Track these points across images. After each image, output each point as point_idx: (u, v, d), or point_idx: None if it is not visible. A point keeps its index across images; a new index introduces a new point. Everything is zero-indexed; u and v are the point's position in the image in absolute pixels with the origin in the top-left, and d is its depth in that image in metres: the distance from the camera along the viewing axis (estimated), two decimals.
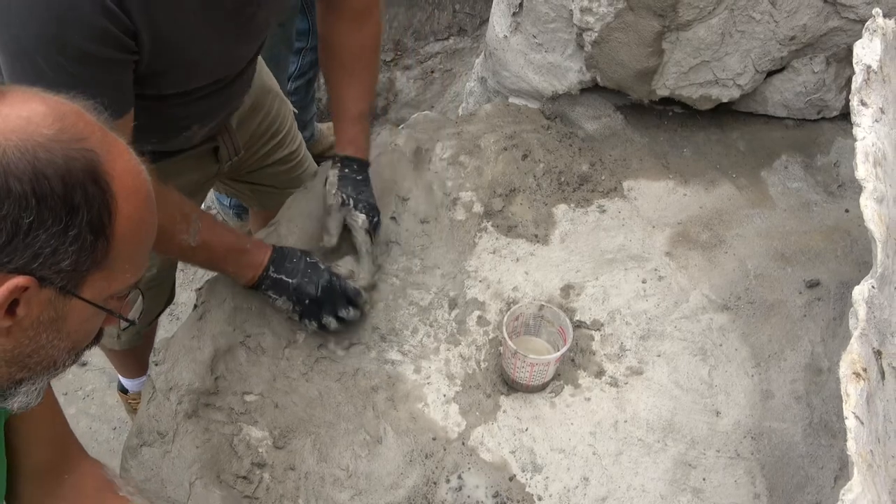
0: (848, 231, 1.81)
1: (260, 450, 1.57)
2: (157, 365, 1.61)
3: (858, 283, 1.26)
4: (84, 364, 2.79)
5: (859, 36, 1.49)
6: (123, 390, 2.53)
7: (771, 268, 1.81)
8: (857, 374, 1.05)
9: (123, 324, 1.04)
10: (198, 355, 1.62)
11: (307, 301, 1.64)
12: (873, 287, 1.15)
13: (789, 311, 1.74)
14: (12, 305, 0.86)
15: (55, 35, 1.20)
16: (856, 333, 1.11)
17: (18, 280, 0.84)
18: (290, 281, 1.64)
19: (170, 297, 2.23)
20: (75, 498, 1.29)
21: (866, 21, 1.53)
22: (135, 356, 2.32)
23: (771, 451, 1.56)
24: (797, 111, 2.02)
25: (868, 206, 1.19)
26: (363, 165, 1.76)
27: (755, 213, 1.91)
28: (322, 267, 1.68)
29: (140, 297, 1.06)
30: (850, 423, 1.01)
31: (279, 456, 1.56)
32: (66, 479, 1.29)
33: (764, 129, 2.06)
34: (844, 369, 1.07)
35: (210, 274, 1.74)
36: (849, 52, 1.77)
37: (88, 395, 2.77)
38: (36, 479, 1.26)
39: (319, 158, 3.04)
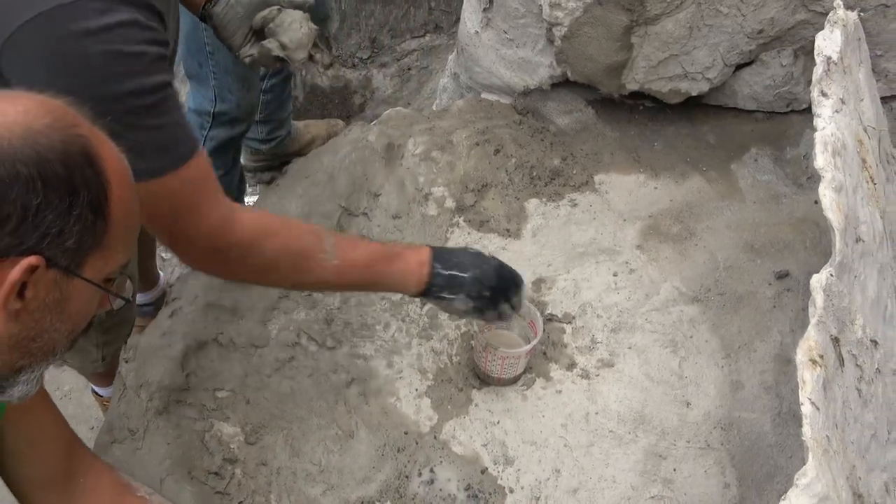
0: (817, 222, 1.83)
1: (231, 446, 1.57)
2: (127, 362, 1.61)
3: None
4: (61, 364, 2.78)
5: None
6: (98, 393, 2.52)
7: (741, 259, 1.82)
8: (814, 361, 1.06)
9: (118, 303, 1.07)
10: (168, 352, 1.62)
11: (486, 293, 1.51)
12: (831, 275, 1.16)
13: (759, 302, 1.75)
14: (21, 289, 0.90)
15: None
16: (813, 321, 1.12)
17: (31, 259, 0.88)
18: (465, 276, 1.49)
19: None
20: (94, 501, 1.31)
21: (833, 5, 1.55)
22: (107, 371, 2.31)
23: (740, 442, 1.58)
24: (766, 104, 2.04)
25: (826, 196, 1.20)
26: None
27: (725, 205, 1.92)
28: (485, 253, 1.56)
29: (128, 279, 1.11)
30: (806, 408, 1.03)
31: (251, 452, 1.56)
32: (81, 482, 1.30)
33: (734, 123, 2.08)
34: (801, 356, 1.08)
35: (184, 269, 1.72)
36: None
37: (66, 394, 2.76)
38: (51, 486, 1.28)
39: (297, 156, 3.04)
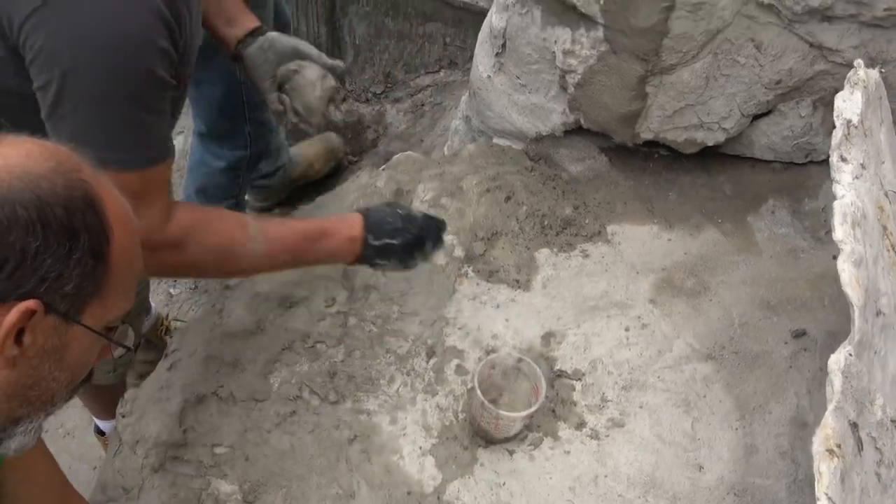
0: (835, 279, 1.77)
1: None
2: (123, 417, 1.58)
3: (846, 333, 1.22)
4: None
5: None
6: (100, 432, 2.49)
7: (756, 316, 1.77)
8: (831, 452, 1.01)
9: (119, 352, 1.06)
10: (166, 406, 1.58)
11: (415, 252, 1.57)
12: (850, 355, 1.11)
13: (775, 361, 1.70)
14: (19, 334, 0.88)
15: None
16: (830, 407, 1.07)
17: (29, 303, 0.87)
18: (396, 242, 1.54)
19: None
20: None
21: (854, 64, 1.51)
22: (110, 395, 2.28)
23: None
24: (784, 154, 1.99)
25: (845, 270, 1.16)
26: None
27: (741, 259, 1.87)
28: (414, 212, 1.60)
29: (129, 328, 1.08)
30: None
31: None
32: None
33: (750, 173, 2.03)
34: (817, 446, 1.03)
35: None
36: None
37: (69, 432, 2.72)
38: None
39: (303, 180, 3.00)
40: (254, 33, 1.69)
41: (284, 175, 2.98)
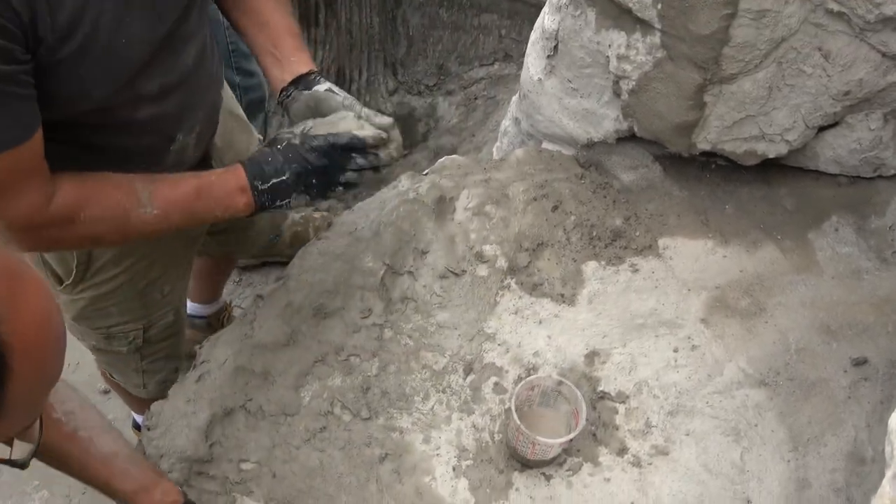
0: None
1: None
2: (149, 430, 1.54)
3: None
4: (106, 392, 2.75)
5: None
6: (137, 427, 2.48)
7: (815, 342, 1.67)
8: None
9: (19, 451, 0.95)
10: (193, 420, 1.54)
11: (314, 179, 1.49)
12: None
13: (832, 390, 1.60)
14: None
15: None
16: (889, 473, 0.98)
17: None
18: (286, 178, 1.48)
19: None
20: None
21: None
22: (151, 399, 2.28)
23: None
24: (851, 168, 1.88)
25: None
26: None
27: (800, 279, 1.77)
28: (296, 140, 1.50)
29: (37, 438, 0.97)
30: None
31: None
32: None
33: (813, 187, 1.92)
34: None
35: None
36: None
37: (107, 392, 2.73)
38: None
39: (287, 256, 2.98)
40: (299, 82, 1.60)
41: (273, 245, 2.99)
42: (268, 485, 1.52)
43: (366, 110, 1.55)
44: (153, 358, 2.05)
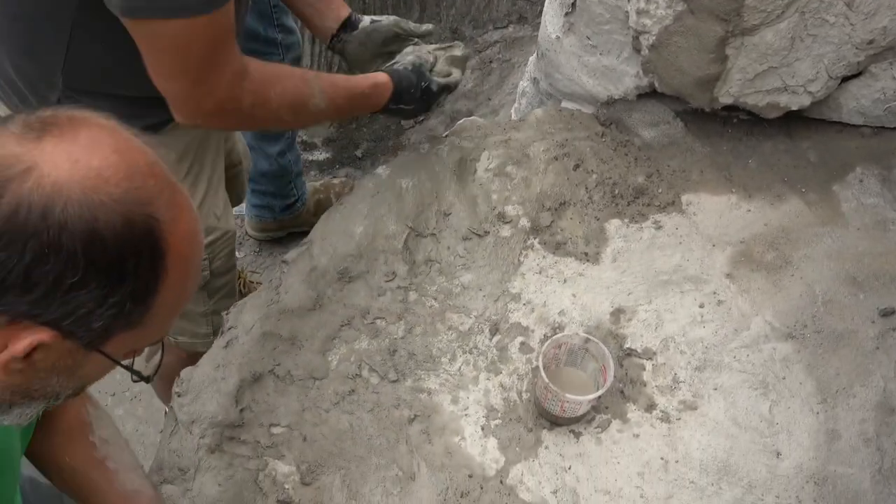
0: None
1: (286, 486, 1.50)
2: (179, 396, 1.55)
3: None
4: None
5: None
6: None
7: (841, 293, 1.66)
8: None
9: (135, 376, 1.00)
10: (222, 386, 1.55)
11: (423, 106, 1.80)
12: None
13: (860, 341, 1.60)
14: (31, 352, 0.82)
15: None
16: None
17: (42, 336, 0.80)
18: (409, 108, 1.76)
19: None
20: (48, 429, 1.26)
21: None
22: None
23: (835, 499, 1.44)
24: (875, 119, 1.86)
25: None
26: None
27: (825, 231, 1.76)
28: (431, 85, 1.79)
29: (160, 350, 1.02)
30: None
31: (306, 493, 1.49)
32: None
33: (837, 138, 1.90)
34: None
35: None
36: None
37: (136, 396, 2.74)
38: None
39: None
40: (347, 25, 1.82)
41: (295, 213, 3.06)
42: (298, 448, 1.53)
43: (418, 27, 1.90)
44: (219, 295, 2.02)
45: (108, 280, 0.80)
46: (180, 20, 1.25)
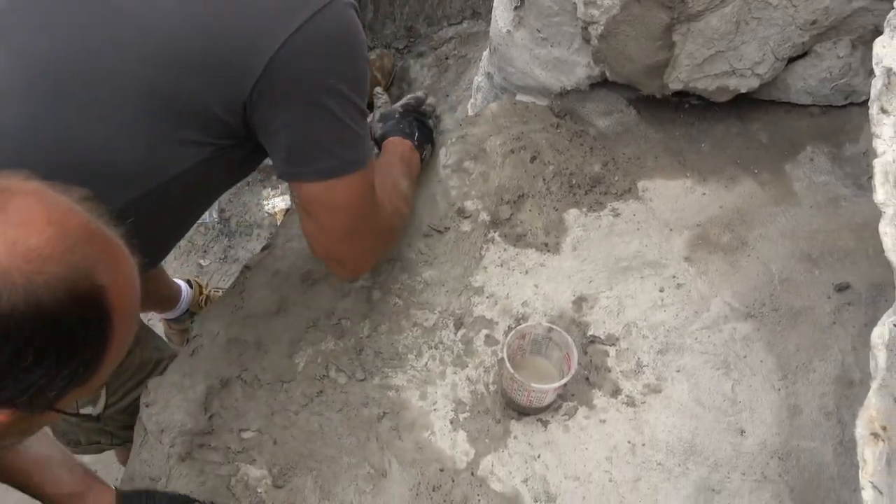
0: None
1: (259, 490, 1.50)
2: (147, 406, 1.55)
3: (893, 287, 1.15)
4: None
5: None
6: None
7: (797, 271, 1.69)
8: (876, 435, 0.94)
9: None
10: (190, 394, 1.55)
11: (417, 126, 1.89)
12: (895, 325, 1.04)
13: (817, 317, 1.63)
14: None
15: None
16: (874, 385, 1.00)
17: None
18: (426, 142, 1.89)
19: None
20: None
21: (895, 3, 1.40)
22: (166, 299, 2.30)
23: (800, 473, 1.47)
24: (823, 98, 1.89)
25: (888, 234, 1.08)
26: None
27: (779, 210, 1.79)
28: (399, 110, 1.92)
29: (103, 390, 1.03)
30: (867, 494, 0.91)
31: (279, 496, 1.50)
32: None
33: (787, 118, 1.93)
34: (861, 429, 0.97)
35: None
36: (877, 33, 1.64)
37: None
38: None
39: None
40: None
41: None
42: (269, 451, 1.54)
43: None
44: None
45: (59, 356, 0.80)
46: (357, 174, 1.35)
